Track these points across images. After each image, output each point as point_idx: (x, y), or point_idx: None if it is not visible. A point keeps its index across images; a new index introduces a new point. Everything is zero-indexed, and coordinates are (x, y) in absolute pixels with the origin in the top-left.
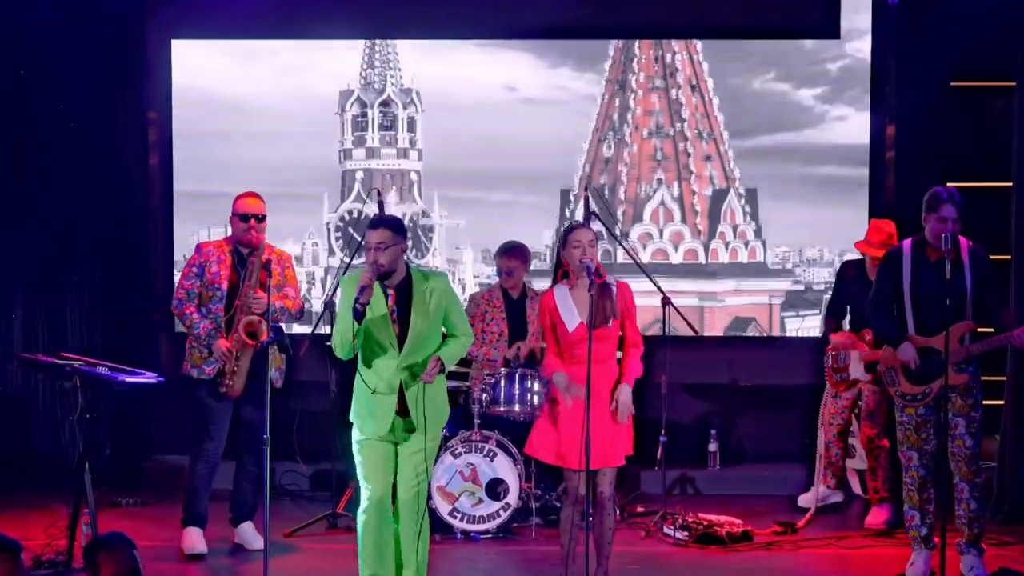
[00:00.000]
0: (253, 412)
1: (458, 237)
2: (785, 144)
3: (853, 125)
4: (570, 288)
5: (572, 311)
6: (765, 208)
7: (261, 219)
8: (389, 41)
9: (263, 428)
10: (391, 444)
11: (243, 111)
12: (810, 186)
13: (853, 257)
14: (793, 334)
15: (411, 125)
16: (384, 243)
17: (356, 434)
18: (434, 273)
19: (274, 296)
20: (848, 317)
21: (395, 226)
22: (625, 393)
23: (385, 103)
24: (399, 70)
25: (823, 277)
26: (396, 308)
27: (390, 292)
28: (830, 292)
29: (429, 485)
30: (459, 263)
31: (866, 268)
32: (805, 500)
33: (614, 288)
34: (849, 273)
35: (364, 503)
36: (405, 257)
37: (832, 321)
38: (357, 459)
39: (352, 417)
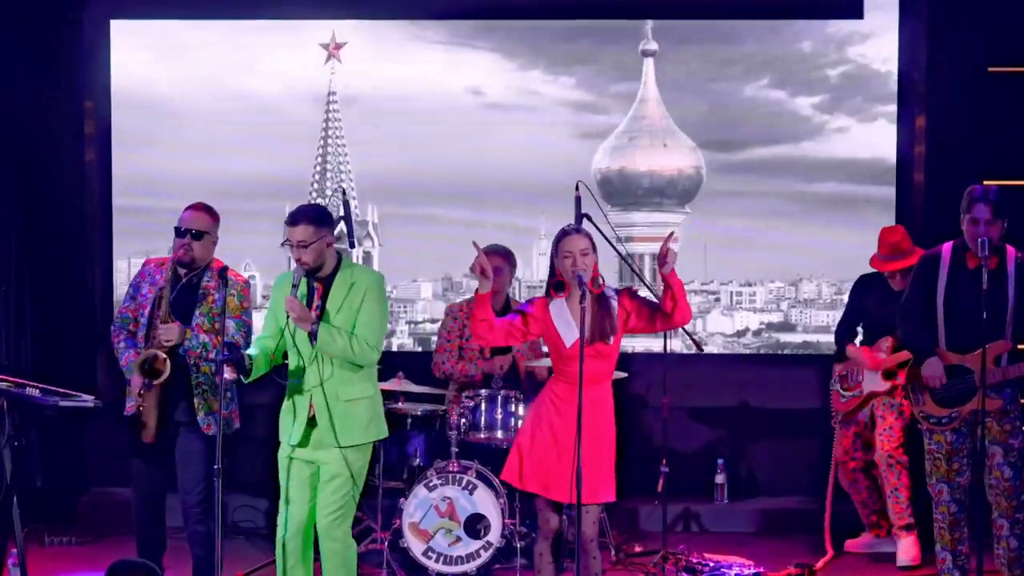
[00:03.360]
0: (177, 463)
1: (411, 265)
2: (781, 157)
3: (855, 136)
4: (567, 299)
5: (570, 324)
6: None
7: (198, 236)
8: (341, 146)
9: (191, 479)
10: (313, 465)
11: (181, 115)
12: (808, 204)
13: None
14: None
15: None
16: (305, 241)
17: (280, 449)
18: (367, 269)
19: (203, 328)
20: (860, 336)
21: (316, 219)
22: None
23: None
24: (352, 181)
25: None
26: (321, 302)
27: (316, 286)
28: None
29: (401, 524)
30: (413, 302)
31: (886, 280)
32: (853, 546)
33: (614, 301)
34: (866, 285)
35: (279, 528)
36: (334, 248)
37: (844, 339)
38: (280, 478)
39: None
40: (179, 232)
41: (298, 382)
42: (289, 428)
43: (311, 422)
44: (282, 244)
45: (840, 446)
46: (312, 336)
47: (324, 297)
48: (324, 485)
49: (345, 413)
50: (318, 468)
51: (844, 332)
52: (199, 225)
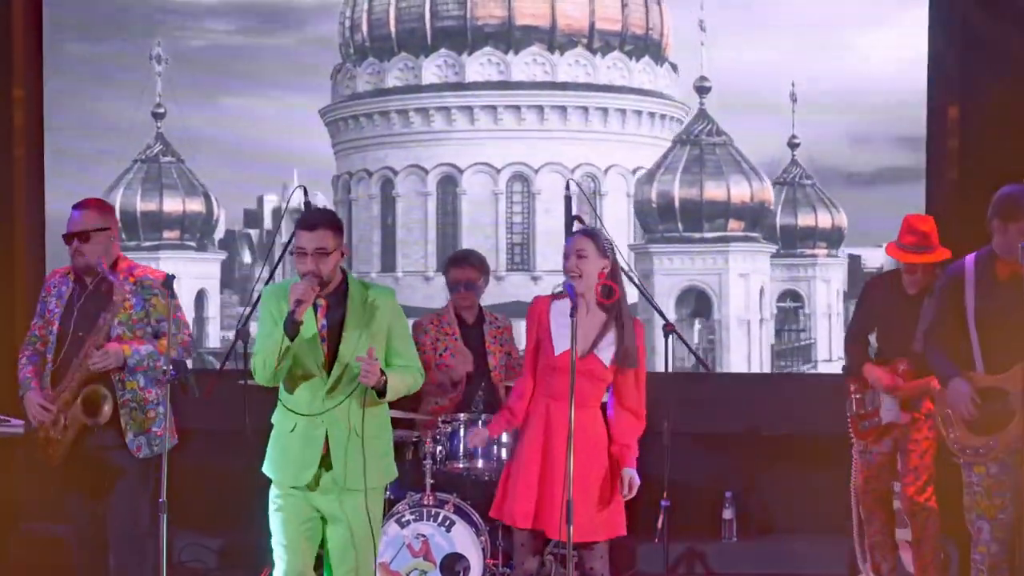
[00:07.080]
0: (108, 496)
1: None
2: None
3: (881, 130)
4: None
5: (566, 331)
6: None
7: (86, 237)
8: None
9: (119, 510)
10: (315, 509)
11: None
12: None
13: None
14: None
15: None
16: (326, 249)
17: (273, 489)
18: (378, 286)
19: (135, 341)
20: (875, 346)
21: (336, 226)
22: (632, 475)
23: None
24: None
25: None
26: (326, 323)
27: (321, 303)
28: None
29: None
30: None
31: (900, 281)
32: None
33: (629, 321)
34: (876, 290)
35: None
36: (343, 261)
37: (856, 351)
38: (273, 523)
39: (266, 467)
40: (66, 238)
41: (307, 410)
42: (292, 466)
43: (324, 461)
44: (292, 252)
45: (860, 475)
46: (380, 391)
47: (331, 317)
48: (335, 538)
49: (366, 449)
50: (322, 518)
51: (855, 345)
52: (85, 225)
